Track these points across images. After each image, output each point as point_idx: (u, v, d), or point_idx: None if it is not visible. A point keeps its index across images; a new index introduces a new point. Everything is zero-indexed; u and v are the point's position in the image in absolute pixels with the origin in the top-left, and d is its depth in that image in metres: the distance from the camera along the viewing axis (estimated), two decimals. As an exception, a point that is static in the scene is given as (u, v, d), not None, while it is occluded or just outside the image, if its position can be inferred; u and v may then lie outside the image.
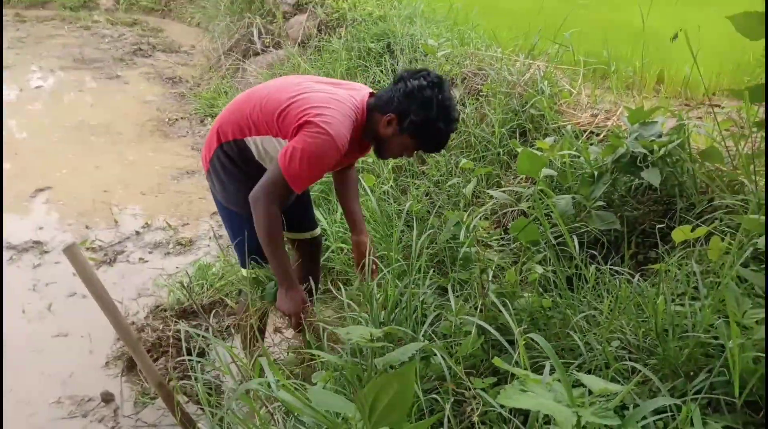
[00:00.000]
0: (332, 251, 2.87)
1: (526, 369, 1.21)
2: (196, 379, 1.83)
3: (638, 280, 1.62)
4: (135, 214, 3.72)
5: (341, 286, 1.90)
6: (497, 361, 1.01)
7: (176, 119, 5.36)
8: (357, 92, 1.88)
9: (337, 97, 1.81)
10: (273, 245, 1.82)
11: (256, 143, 1.89)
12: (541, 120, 2.80)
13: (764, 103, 1.97)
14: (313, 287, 2.12)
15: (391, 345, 1.29)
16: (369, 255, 1.93)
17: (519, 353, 1.30)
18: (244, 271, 2.08)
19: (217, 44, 6.62)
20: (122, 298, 2.81)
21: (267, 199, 1.76)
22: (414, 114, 1.77)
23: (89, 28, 8.81)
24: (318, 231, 2.37)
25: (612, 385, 0.90)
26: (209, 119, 5.26)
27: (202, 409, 2.06)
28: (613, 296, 1.58)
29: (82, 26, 8.92)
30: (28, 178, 4.08)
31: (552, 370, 0.96)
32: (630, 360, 1.44)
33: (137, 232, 3.50)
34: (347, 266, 2.86)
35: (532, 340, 1.33)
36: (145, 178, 4.20)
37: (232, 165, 1.95)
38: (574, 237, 1.77)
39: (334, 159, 1.76)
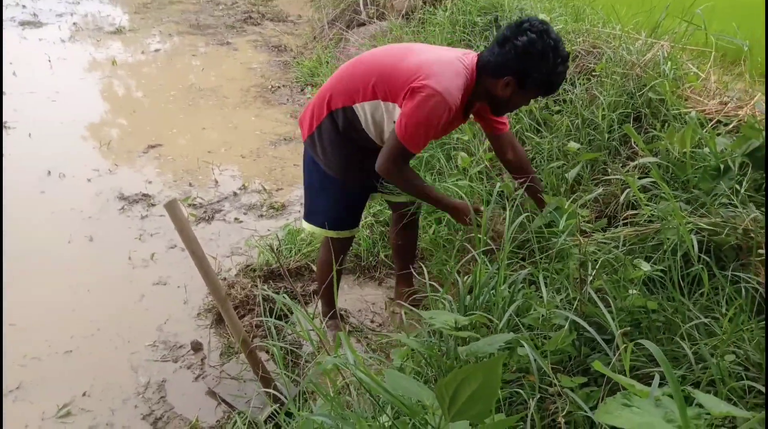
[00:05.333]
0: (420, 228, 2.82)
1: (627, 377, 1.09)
2: (275, 340, 1.86)
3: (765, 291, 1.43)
4: (234, 175, 3.88)
5: (422, 267, 1.84)
6: (597, 365, 0.91)
7: (278, 87, 5.50)
8: (465, 55, 1.87)
9: (447, 58, 1.82)
10: (423, 195, 1.98)
11: (364, 110, 1.93)
12: (661, 105, 2.54)
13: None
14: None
15: (477, 335, 1.22)
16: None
17: (618, 357, 1.18)
18: (307, 225, 2.26)
19: (323, 14, 6.69)
20: (216, 255, 2.95)
21: (395, 166, 1.87)
22: (534, 71, 1.76)
23: (207, -5, 9.23)
24: None
25: (735, 409, 0.77)
26: (309, 88, 5.34)
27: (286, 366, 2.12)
28: (735, 305, 1.40)
29: (200, -7, 9.36)
30: (141, 135, 4.37)
31: (662, 381, 0.85)
32: (746, 377, 1.28)
33: (235, 193, 3.64)
34: (434, 245, 2.80)
35: (633, 343, 1.20)
36: (246, 142, 4.35)
37: (337, 133, 2.00)
38: (693, 236, 1.58)
39: (446, 118, 1.79)
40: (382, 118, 1.92)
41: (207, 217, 3.36)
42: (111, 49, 6.40)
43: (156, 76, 5.77)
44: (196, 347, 2.40)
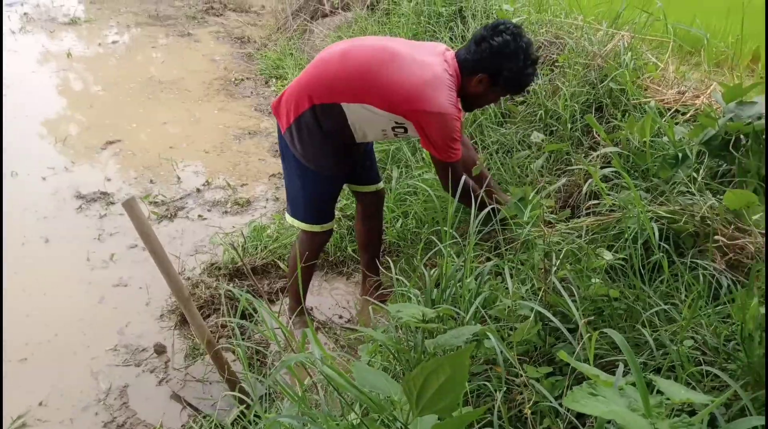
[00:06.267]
0: (386, 222, 2.80)
1: (591, 365, 1.10)
2: (242, 340, 1.83)
3: (722, 278, 1.46)
4: (197, 171, 3.79)
5: (389, 261, 1.83)
6: (563, 355, 0.91)
7: (242, 79, 5.40)
8: (446, 62, 1.92)
9: (437, 74, 1.88)
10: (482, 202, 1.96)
11: (350, 110, 1.94)
12: (621, 95, 2.58)
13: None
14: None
15: (444, 327, 1.21)
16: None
17: (583, 347, 1.19)
18: (291, 220, 2.23)
19: (287, 5, 6.58)
20: (180, 253, 2.88)
21: (456, 183, 1.89)
22: (507, 70, 1.89)
23: (165, -15, 8.96)
24: (381, 184, 2.45)
25: (696, 394, 0.78)
26: (274, 80, 5.25)
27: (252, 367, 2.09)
28: (692, 292, 1.43)
29: (159, -17, 9.09)
30: (100, 131, 4.22)
31: (626, 370, 0.85)
32: (704, 362, 1.30)
33: (198, 190, 3.55)
34: (400, 238, 2.79)
35: (597, 333, 1.21)
36: (209, 136, 4.26)
37: (319, 128, 1.99)
38: (653, 224, 1.61)
39: (460, 124, 1.93)
40: (369, 121, 1.97)
41: (169, 215, 3.28)
42: (65, 41, 6.16)
43: (114, 69, 5.58)
44: (160, 350, 2.34)
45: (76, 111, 4.67)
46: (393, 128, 2.00)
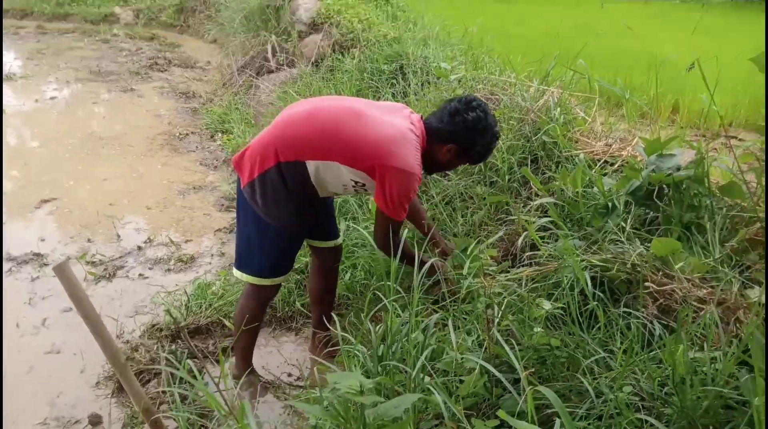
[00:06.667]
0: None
1: (533, 420, 1.11)
2: (184, 405, 1.74)
3: (654, 323, 1.53)
4: (138, 228, 3.68)
5: (335, 318, 1.82)
6: (502, 414, 0.92)
7: (187, 134, 5.36)
8: (413, 124, 1.99)
9: (404, 133, 1.94)
10: (412, 261, 1.95)
11: (317, 167, 1.97)
12: (554, 148, 2.72)
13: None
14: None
15: (380, 399, 1.19)
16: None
17: (525, 399, 1.20)
18: (240, 274, 2.20)
19: (232, 61, 6.66)
20: (118, 315, 2.75)
21: (389, 238, 1.98)
22: (477, 144, 2.00)
23: (108, 42, 8.93)
24: (341, 240, 2.46)
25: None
26: (220, 135, 5.24)
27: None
28: (627, 339, 1.49)
29: (101, 39, 9.05)
30: (34, 189, 4.06)
31: (562, 425, 0.87)
32: (643, 407, 1.34)
33: (139, 247, 3.44)
34: (349, 291, 2.78)
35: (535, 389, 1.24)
36: (152, 192, 4.16)
37: (283, 185, 2.01)
38: (586, 273, 1.68)
39: (417, 187, 1.98)
40: (331, 177, 2.00)
41: (108, 275, 3.15)
42: (-1, 97, 5.97)
43: (53, 125, 5.43)
44: (95, 421, 2.19)
45: (10, 168, 4.49)
46: (353, 186, 2.04)
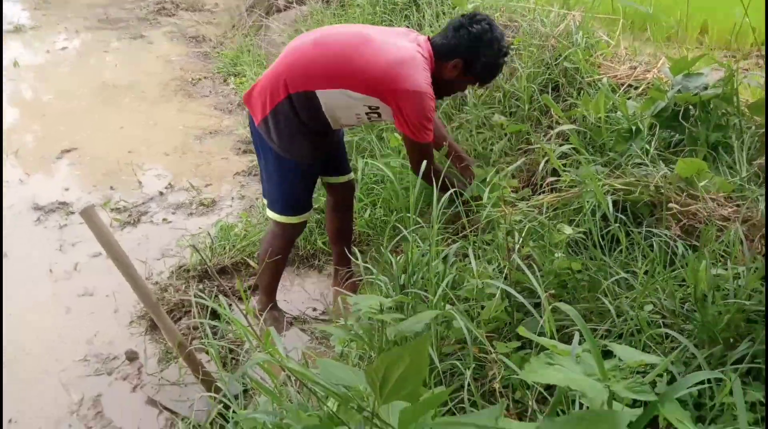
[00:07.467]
0: (355, 212, 2.80)
1: (553, 337, 1.13)
2: (215, 340, 1.81)
3: (677, 243, 1.51)
4: (158, 174, 3.72)
5: (357, 251, 1.84)
6: (522, 330, 0.94)
7: (199, 79, 5.30)
8: (419, 45, 1.96)
9: (410, 55, 1.90)
10: (451, 184, 2.05)
11: (328, 96, 1.94)
12: (576, 74, 2.63)
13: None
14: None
15: (403, 315, 1.22)
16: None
17: (545, 320, 1.22)
18: (271, 214, 2.21)
19: (240, 1, 6.48)
20: (146, 259, 2.83)
21: (428, 174, 1.93)
22: (484, 56, 1.95)
23: (114, -12, 8.71)
24: (352, 175, 2.47)
25: (648, 356, 0.82)
26: (232, 78, 5.17)
27: (225, 367, 2.07)
28: (648, 260, 1.48)
29: (106, -14, 8.83)
30: (54, 140, 4.10)
31: (581, 339, 0.88)
32: (664, 325, 1.35)
33: (161, 193, 3.49)
34: (369, 228, 2.80)
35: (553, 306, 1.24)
36: (169, 139, 4.17)
37: (296, 117, 1.99)
38: (608, 197, 1.65)
39: (434, 106, 1.96)
40: (344, 106, 1.97)
41: (132, 221, 3.21)
42: (11, 50, 5.93)
43: (65, 76, 5.42)
44: (132, 356, 2.30)
45: (28, 121, 4.53)
46: (367, 113, 2.01)
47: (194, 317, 2.34)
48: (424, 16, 3.83)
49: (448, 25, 2.00)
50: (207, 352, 2.16)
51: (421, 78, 1.88)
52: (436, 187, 1.79)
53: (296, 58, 1.97)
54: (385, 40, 1.93)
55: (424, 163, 1.90)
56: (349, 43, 1.93)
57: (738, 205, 1.55)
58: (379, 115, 2.00)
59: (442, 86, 2.03)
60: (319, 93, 1.93)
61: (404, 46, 1.92)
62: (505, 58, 2.04)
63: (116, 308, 2.56)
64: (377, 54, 1.88)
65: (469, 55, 1.95)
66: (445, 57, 1.97)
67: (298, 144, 2.05)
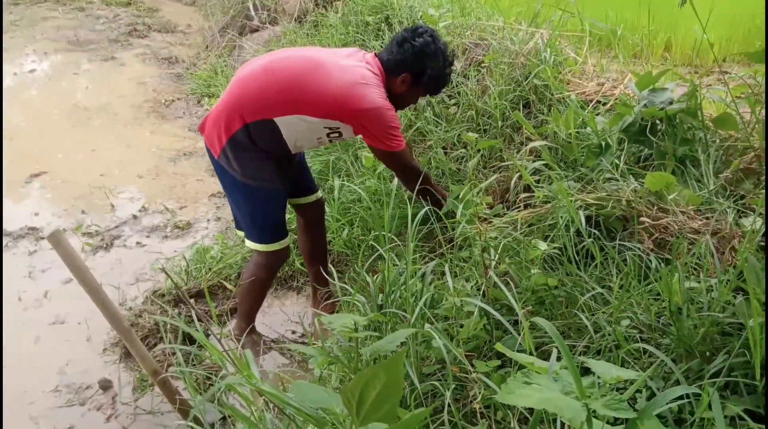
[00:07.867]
0: (332, 232, 2.80)
1: (531, 354, 1.13)
2: (191, 366, 1.77)
3: (650, 256, 1.54)
4: (132, 197, 3.66)
5: (334, 271, 1.83)
6: (500, 347, 0.94)
7: (173, 100, 5.26)
8: (368, 63, 1.99)
9: (363, 73, 1.93)
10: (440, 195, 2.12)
11: (284, 122, 1.95)
12: (545, 90, 2.68)
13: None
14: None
15: (377, 334, 1.22)
16: None
17: (524, 336, 1.22)
18: (251, 244, 2.18)
19: (212, 22, 6.48)
20: (119, 284, 2.77)
21: (414, 178, 1.99)
22: (430, 68, 1.99)
23: (83, 10, 8.63)
24: (320, 193, 2.47)
25: (625, 371, 0.82)
26: (206, 99, 5.15)
27: (201, 394, 2.02)
28: (623, 274, 1.50)
29: (76, 8, 8.74)
30: (23, 164, 4.01)
31: (559, 356, 0.88)
32: (641, 340, 1.37)
33: (134, 216, 3.43)
34: (347, 247, 2.79)
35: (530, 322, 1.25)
36: (142, 161, 4.12)
37: (253, 145, 1.98)
38: (581, 212, 1.68)
39: (396, 117, 1.99)
40: (303, 131, 1.98)
41: (105, 245, 3.14)
42: (-22, 73, 5.82)
43: (35, 99, 5.32)
44: (105, 385, 2.23)
45: (-4, 145, 4.42)
46: (328, 134, 2.02)
47: (167, 342, 2.29)
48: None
49: (393, 40, 2.04)
50: (184, 380, 2.11)
51: (375, 94, 1.92)
52: (427, 200, 1.84)
53: (248, 87, 1.96)
54: (335, 63, 1.95)
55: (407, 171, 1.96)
56: (300, 68, 1.93)
57: (707, 218, 1.58)
58: (340, 134, 2.02)
59: (395, 100, 2.06)
60: (278, 120, 1.94)
61: (353, 67, 1.95)
62: (451, 68, 2.09)
63: (89, 336, 2.50)
64: (329, 78, 1.90)
65: (415, 68, 1.99)
66: (393, 72, 2.01)
67: (259, 169, 2.04)
